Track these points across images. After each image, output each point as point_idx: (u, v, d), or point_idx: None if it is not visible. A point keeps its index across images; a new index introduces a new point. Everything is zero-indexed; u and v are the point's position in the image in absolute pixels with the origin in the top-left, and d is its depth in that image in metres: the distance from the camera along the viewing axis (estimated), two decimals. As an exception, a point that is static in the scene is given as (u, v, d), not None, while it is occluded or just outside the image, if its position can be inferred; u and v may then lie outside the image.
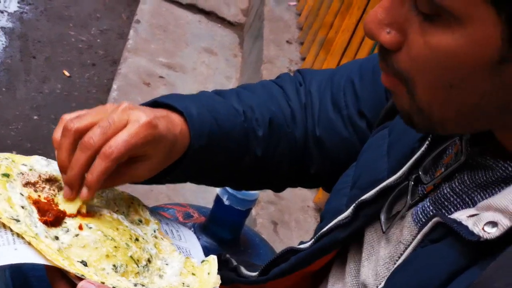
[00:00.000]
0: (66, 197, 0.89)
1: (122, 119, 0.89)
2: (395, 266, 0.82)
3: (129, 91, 2.87)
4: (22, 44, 3.01)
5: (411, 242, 0.81)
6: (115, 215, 0.93)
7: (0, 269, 1.09)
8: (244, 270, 1.07)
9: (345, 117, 1.08)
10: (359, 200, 0.90)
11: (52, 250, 0.80)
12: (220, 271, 0.96)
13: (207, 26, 3.55)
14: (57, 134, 0.91)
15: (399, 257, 0.82)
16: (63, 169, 0.90)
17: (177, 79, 3.07)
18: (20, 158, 0.93)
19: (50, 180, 0.92)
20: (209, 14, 3.61)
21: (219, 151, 1.02)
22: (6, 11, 3.15)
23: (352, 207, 0.91)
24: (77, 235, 0.86)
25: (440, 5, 0.66)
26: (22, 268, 1.09)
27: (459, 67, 0.68)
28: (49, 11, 3.26)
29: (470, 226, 0.72)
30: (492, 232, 0.70)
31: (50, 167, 0.94)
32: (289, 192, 2.39)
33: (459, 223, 0.73)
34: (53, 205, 0.88)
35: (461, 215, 0.74)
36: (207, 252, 1.69)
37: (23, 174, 0.91)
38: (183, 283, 0.92)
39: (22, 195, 0.87)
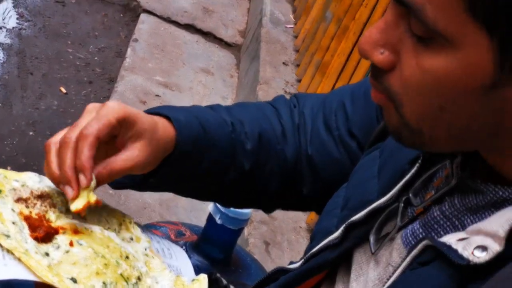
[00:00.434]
0: (70, 197, 0.89)
1: (93, 113, 0.93)
2: None
3: (125, 109, 2.87)
4: (19, 60, 3.02)
5: (400, 264, 0.80)
6: (106, 232, 0.93)
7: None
8: (233, 290, 1.07)
9: (336, 137, 1.09)
10: (349, 221, 0.91)
11: (42, 266, 0.80)
12: None
13: (204, 46, 3.57)
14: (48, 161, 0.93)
15: (388, 279, 0.82)
16: (54, 179, 0.91)
17: (173, 98, 3.08)
18: (12, 174, 0.93)
19: (42, 197, 0.92)
20: (207, 35, 3.63)
21: (205, 159, 1.03)
22: (4, 27, 3.16)
23: (342, 228, 0.91)
24: (67, 251, 0.86)
25: (433, 29, 0.67)
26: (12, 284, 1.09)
27: (450, 90, 0.69)
28: (47, 28, 3.27)
29: (460, 250, 0.72)
30: (481, 257, 0.69)
31: (43, 184, 0.94)
32: (281, 213, 2.40)
33: (449, 247, 0.73)
34: (44, 221, 0.88)
35: (450, 239, 0.74)
36: (198, 271, 1.69)
37: (15, 190, 0.91)
38: (173, 301, 0.92)
39: (14, 210, 0.87)
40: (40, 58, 3.08)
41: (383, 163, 0.94)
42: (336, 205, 0.99)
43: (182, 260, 1.07)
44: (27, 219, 0.88)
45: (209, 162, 1.04)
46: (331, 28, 2.99)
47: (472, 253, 0.70)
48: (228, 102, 3.21)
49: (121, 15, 3.58)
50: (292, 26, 3.53)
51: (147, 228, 1.77)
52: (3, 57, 3.00)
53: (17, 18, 3.24)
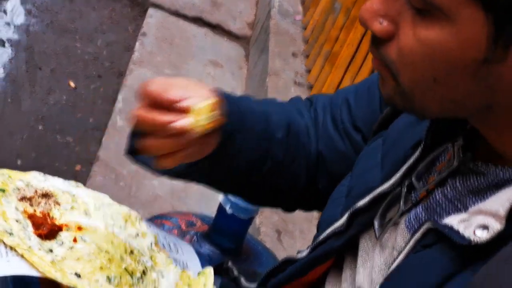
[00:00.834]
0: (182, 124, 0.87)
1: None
2: (388, 272, 0.82)
3: (135, 102, 2.88)
4: (28, 56, 3.03)
5: (404, 248, 0.81)
6: (110, 229, 0.94)
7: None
8: (243, 282, 1.07)
9: (342, 131, 1.09)
10: (354, 208, 0.91)
11: (45, 262, 0.81)
12: (222, 278, 0.96)
13: (213, 39, 3.57)
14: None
15: (393, 263, 0.82)
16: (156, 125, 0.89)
17: (183, 91, 3.08)
18: (17, 174, 0.95)
19: (47, 195, 0.94)
20: (215, 28, 3.62)
21: (246, 143, 1.03)
22: (13, 24, 3.17)
23: (346, 215, 0.92)
24: (71, 247, 0.87)
25: (431, 2, 0.69)
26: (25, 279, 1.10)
27: (444, 62, 0.70)
28: (55, 24, 3.28)
29: (461, 231, 0.72)
30: (482, 236, 0.70)
31: (47, 183, 0.96)
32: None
33: (450, 228, 0.74)
34: (48, 219, 0.89)
35: (452, 220, 0.75)
36: (209, 260, 1.70)
37: (19, 189, 0.92)
38: (178, 295, 0.93)
39: (17, 209, 0.88)
40: (48, 54, 3.09)
41: (386, 150, 0.95)
42: (340, 194, 1.00)
43: (189, 255, 1.08)
44: (31, 217, 0.89)
45: (250, 149, 1.04)
46: (339, 19, 2.98)
47: (474, 232, 0.71)
48: (238, 94, 3.21)
49: (129, 9, 3.58)
50: (301, 17, 3.51)
51: (158, 218, 1.79)
52: (11, 53, 3.00)
53: (25, 14, 3.25)
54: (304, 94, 2.92)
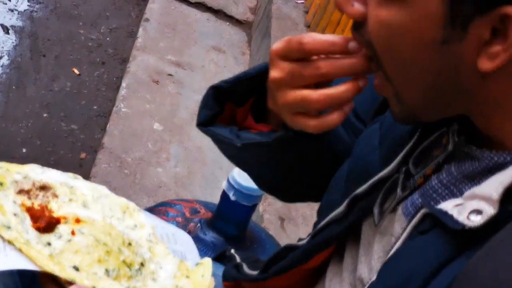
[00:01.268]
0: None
1: None
2: (386, 259, 0.83)
3: (138, 89, 2.89)
4: (32, 43, 3.03)
5: (401, 235, 0.82)
6: (108, 220, 0.95)
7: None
8: (245, 268, 1.08)
9: (345, 123, 1.09)
10: (353, 194, 0.92)
11: (43, 255, 0.82)
12: (224, 266, 0.96)
13: (215, 24, 3.56)
14: None
15: (390, 250, 0.83)
16: None
17: (186, 77, 3.08)
18: (14, 167, 0.95)
19: (44, 188, 0.94)
20: (218, 13, 3.62)
21: (334, 138, 1.06)
22: (16, 10, 3.17)
23: (346, 201, 0.92)
24: (69, 240, 0.87)
25: None
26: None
27: (405, 43, 0.72)
28: (58, 10, 3.28)
29: (455, 215, 0.72)
30: (476, 220, 0.70)
31: (45, 175, 0.96)
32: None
33: (445, 213, 0.74)
34: (46, 212, 0.90)
35: (447, 205, 0.75)
36: (213, 247, 1.71)
37: (17, 182, 0.92)
38: (177, 286, 0.94)
39: (15, 202, 0.88)
40: (52, 40, 3.09)
41: (384, 134, 0.95)
42: (339, 180, 1.00)
43: (187, 245, 1.08)
44: (29, 210, 0.89)
45: (337, 140, 1.07)
46: (342, 3, 2.97)
47: (467, 217, 0.71)
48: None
49: (132, -5, 3.58)
50: (302, 1, 3.50)
51: (163, 206, 1.79)
52: (15, 40, 3.01)
53: (28, 1, 3.25)
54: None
